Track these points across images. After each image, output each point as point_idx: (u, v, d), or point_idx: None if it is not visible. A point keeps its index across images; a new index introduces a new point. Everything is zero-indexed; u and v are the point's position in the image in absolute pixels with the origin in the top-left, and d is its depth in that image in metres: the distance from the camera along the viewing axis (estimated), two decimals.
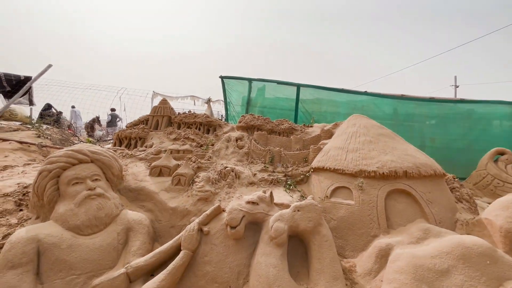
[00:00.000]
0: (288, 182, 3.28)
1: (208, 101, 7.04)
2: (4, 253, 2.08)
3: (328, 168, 3.14)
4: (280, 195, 3.01)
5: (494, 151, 4.66)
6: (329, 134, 3.92)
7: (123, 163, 3.42)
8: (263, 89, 6.89)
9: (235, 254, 2.38)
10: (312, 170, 3.36)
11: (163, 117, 4.36)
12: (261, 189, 3.01)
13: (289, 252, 2.35)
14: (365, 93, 6.18)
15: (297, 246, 2.46)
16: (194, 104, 7.77)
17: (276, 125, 4.20)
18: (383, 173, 2.82)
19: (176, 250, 2.40)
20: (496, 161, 4.61)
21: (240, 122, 4.27)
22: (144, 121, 4.42)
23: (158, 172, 3.26)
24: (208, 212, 2.60)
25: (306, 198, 2.92)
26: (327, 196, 2.95)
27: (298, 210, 2.40)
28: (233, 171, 3.24)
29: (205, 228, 2.51)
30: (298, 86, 6.19)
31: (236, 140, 3.90)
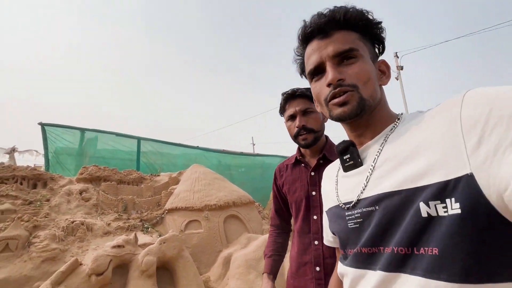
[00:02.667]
0: (145, 226, 3.59)
1: (12, 151, 5.29)
2: None
3: (180, 207, 3.84)
4: (140, 238, 3.28)
5: None
6: (176, 181, 4.67)
7: None
8: (95, 140, 6.50)
9: None
10: (166, 211, 3.90)
11: None
12: (118, 237, 3.14)
13: (158, 281, 2.70)
14: (197, 148, 7.61)
15: (163, 275, 2.85)
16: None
17: (125, 175, 4.37)
18: (220, 205, 3.96)
19: None
20: None
21: (82, 174, 4.02)
22: None
23: None
24: (63, 268, 2.42)
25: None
26: (181, 230, 3.60)
27: (164, 242, 2.89)
28: (83, 224, 3.11)
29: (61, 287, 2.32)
30: (139, 140, 6.53)
31: (80, 193, 3.67)
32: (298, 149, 1.24)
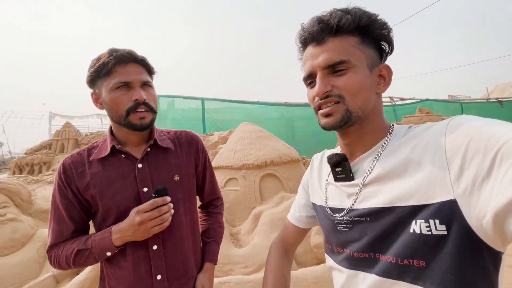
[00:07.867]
0: None
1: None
2: None
3: (221, 166, 4.17)
4: None
5: None
6: (224, 140, 4.99)
7: (30, 188, 3.59)
8: (173, 104, 7.55)
9: None
10: None
11: (68, 140, 4.53)
12: None
13: None
14: (257, 103, 7.66)
15: None
16: (102, 123, 7.48)
17: None
18: (258, 164, 4.05)
19: None
20: None
21: None
22: (46, 146, 4.47)
23: None
24: None
25: None
26: (221, 187, 3.98)
27: None
28: None
29: None
30: (203, 100, 7.13)
31: None
32: (111, 134, 0.91)
